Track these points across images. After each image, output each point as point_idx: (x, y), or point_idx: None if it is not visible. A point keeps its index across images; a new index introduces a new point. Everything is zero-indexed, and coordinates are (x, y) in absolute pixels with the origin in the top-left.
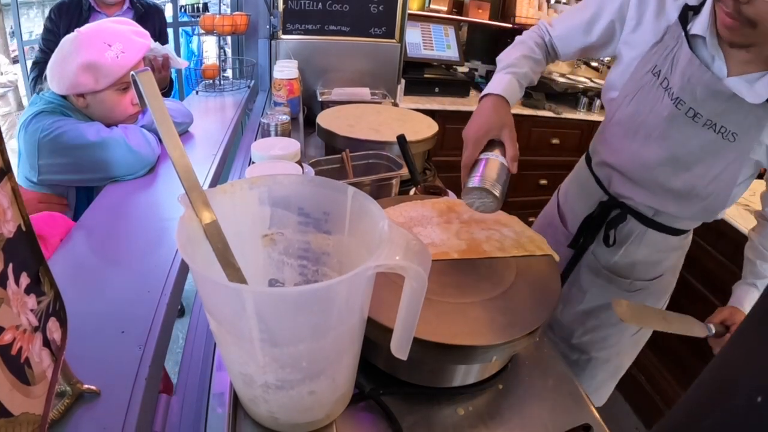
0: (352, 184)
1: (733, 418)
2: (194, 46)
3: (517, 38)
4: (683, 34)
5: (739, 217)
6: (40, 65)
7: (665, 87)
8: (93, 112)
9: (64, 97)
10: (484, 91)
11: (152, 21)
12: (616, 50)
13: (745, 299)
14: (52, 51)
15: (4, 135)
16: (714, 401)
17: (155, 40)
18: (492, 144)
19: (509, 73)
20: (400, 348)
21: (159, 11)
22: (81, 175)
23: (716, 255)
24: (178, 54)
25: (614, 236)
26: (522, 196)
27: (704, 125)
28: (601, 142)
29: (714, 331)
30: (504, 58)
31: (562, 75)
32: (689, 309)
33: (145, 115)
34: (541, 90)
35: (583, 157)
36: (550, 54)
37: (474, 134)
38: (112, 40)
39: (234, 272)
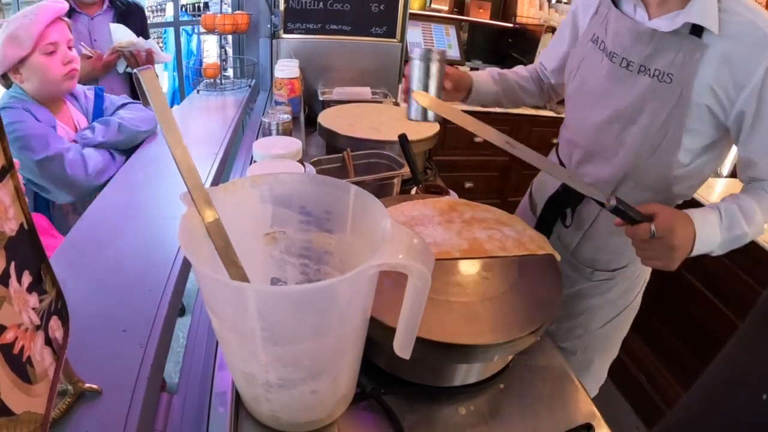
0: (354, 183)
1: (735, 417)
2: (194, 45)
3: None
4: None
5: None
6: None
7: (602, 49)
8: (32, 85)
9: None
10: None
11: (133, 19)
12: None
13: (697, 211)
14: None
15: None
16: (716, 401)
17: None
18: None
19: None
20: (403, 347)
21: (140, 9)
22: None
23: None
24: (179, 53)
25: (571, 216)
26: (523, 196)
27: (639, 72)
28: (562, 126)
29: (613, 204)
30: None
31: None
32: (689, 309)
33: (95, 132)
34: None
35: (555, 148)
36: (543, 80)
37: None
38: (26, 11)
39: (236, 270)
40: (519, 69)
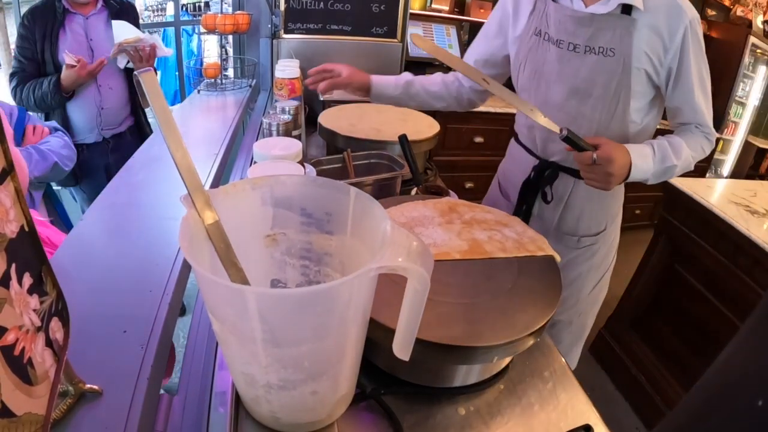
0: (354, 183)
1: (734, 421)
2: (194, 45)
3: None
4: None
5: (740, 217)
6: (18, 75)
7: (546, 39)
8: None
9: None
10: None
11: (126, 18)
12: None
13: (634, 145)
14: (29, 59)
15: None
16: (715, 404)
17: None
18: None
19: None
20: (402, 349)
21: (132, 8)
22: None
23: (716, 255)
24: (179, 52)
25: (551, 192)
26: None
27: (585, 52)
28: (518, 115)
29: (564, 134)
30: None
31: None
32: (689, 310)
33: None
34: None
35: (512, 138)
36: (461, 89)
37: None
38: None
39: (237, 273)
40: (435, 77)
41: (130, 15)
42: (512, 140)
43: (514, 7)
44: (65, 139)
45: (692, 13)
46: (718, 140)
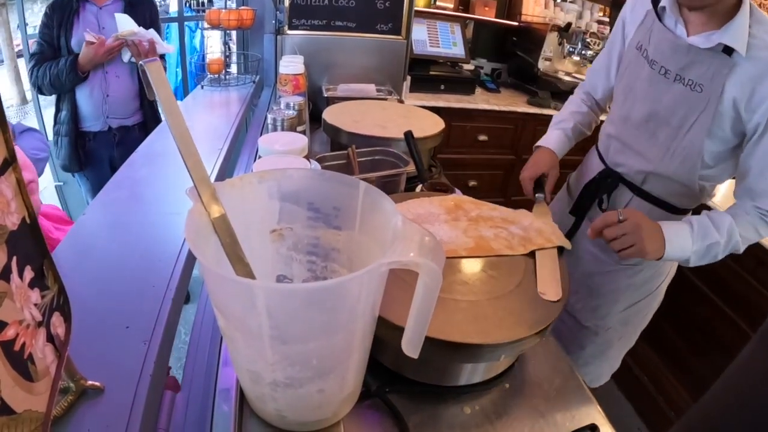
0: None
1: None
2: (197, 41)
3: (570, 97)
4: (654, 9)
5: None
6: (37, 56)
7: (645, 56)
8: None
9: None
10: (538, 144)
11: (143, 10)
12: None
13: (668, 222)
14: (48, 43)
15: None
16: (732, 410)
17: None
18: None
19: (558, 129)
20: (411, 346)
21: (150, 0)
22: None
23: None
24: (182, 49)
25: (607, 200)
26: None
27: (674, 80)
28: (606, 121)
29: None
30: (557, 115)
31: (568, 74)
32: (694, 312)
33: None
34: (546, 88)
35: (595, 145)
36: (597, 103)
37: (529, 174)
38: None
39: (243, 267)
40: (576, 109)
41: (145, 6)
42: (593, 147)
43: (632, 16)
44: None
45: None
46: None
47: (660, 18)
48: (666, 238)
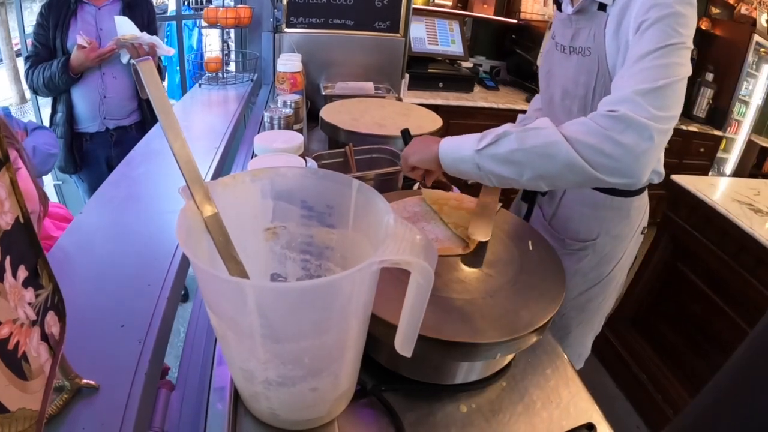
0: (356, 178)
1: (747, 422)
2: (194, 39)
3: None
4: None
5: (743, 215)
6: (32, 58)
7: (553, 39)
8: None
9: None
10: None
11: (140, 11)
12: None
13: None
14: (43, 45)
15: None
16: (727, 406)
17: (143, 30)
18: None
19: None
20: (404, 345)
21: (147, 1)
22: None
23: (719, 253)
24: (180, 47)
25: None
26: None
27: (570, 53)
28: (534, 100)
29: None
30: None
31: None
32: (692, 309)
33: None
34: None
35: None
36: None
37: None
38: None
39: (236, 266)
40: (538, 106)
41: (143, 7)
42: (519, 117)
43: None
44: (46, 134)
45: None
46: (721, 138)
47: (559, 6)
48: (444, 138)
